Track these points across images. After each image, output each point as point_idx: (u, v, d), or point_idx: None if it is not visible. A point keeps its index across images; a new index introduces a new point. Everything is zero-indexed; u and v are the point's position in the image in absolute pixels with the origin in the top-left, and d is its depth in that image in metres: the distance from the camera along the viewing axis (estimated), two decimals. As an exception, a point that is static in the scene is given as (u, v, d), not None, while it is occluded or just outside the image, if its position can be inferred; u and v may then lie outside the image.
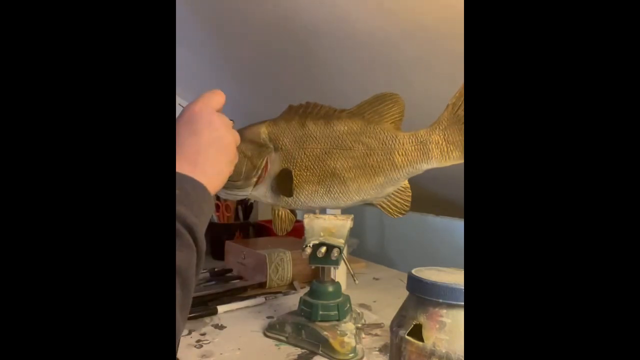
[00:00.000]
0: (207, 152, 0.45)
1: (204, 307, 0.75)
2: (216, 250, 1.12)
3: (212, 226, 1.15)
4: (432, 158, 0.57)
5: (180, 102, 0.59)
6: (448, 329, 0.39)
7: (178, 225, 0.37)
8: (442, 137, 0.57)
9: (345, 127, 0.59)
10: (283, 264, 0.90)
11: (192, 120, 0.46)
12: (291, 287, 0.90)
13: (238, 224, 1.19)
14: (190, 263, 0.37)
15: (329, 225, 0.66)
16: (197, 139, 0.45)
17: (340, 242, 0.64)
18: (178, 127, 0.46)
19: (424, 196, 1.02)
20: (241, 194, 0.61)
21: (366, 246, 1.26)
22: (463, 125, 0.56)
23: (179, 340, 0.36)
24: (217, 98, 0.49)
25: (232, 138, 0.49)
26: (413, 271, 0.44)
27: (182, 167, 0.43)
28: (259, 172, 0.60)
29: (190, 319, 0.72)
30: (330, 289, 0.66)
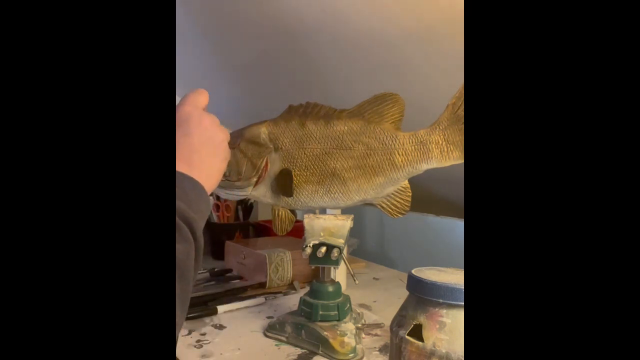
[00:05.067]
0: (201, 152, 0.46)
1: (204, 307, 0.75)
2: (216, 250, 1.12)
3: (212, 226, 1.15)
4: (432, 158, 0.57)
5: None
6: (448, 329, 0.39)
7: (177, 220, 0.37)
8: (442, 137, 0.57)
9: (345, 127, 0.59)
10: (283, 264, 0.90)
11: (182, 121, 0.46)
12: (291, 287, 0.90)
13: (238, 224, 1.19)
14: (188, 256, 0.37)
15: (329, 225, 0.66)
16: (189, 139, 0.45)
17: (340, 242, 0.64)
18: None
19: (424, 196, 1.02)
20: (241, 194, 0.61)
21: (366, 246, 1.26)
22: (463, 125, 0.56)
23: (179, 334, 0.36)
24: (203, 97, 0.49)
25: (222, 136, 0.49)
26: (413, 271, 0.44)
27: (179, 167, 0.43)
28: (259, 172, 0.60)
29: (190, 319, 0.72)
30: (330, 289, 0.66)
